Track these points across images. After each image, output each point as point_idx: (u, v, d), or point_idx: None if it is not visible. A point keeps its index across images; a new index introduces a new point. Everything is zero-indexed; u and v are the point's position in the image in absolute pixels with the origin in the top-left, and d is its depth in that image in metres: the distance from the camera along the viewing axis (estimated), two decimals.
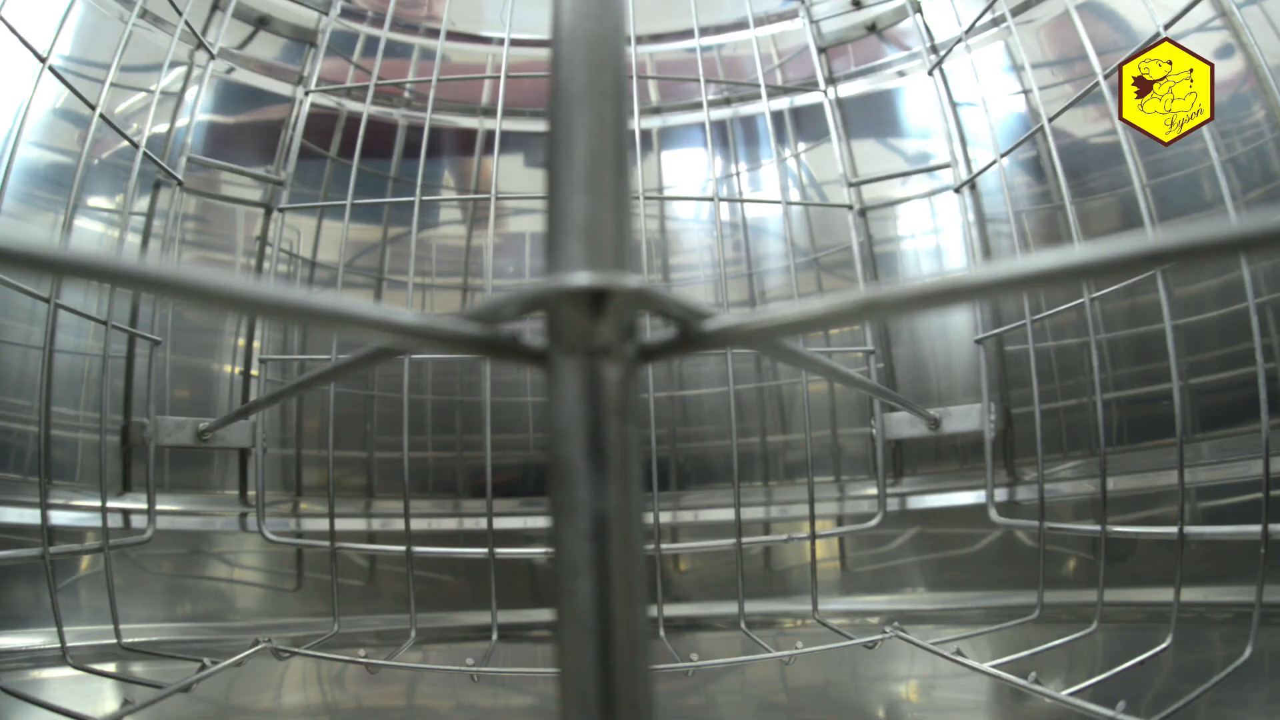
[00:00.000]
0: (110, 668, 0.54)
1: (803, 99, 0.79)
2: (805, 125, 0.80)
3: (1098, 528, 0.54)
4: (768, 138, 0.80)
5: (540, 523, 0.72)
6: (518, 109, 0.80)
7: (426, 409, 0.75)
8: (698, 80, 0.74)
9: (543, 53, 0.78)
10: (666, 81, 0.84)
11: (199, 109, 0.69)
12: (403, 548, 0.63)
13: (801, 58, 0.80)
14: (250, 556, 0.67)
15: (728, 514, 0.65)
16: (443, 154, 0.82)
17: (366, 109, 0.71)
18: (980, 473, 0.64)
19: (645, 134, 0.83)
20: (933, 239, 0.74)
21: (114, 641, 0.54)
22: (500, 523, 0.66)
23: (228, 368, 0.71)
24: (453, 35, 0.80)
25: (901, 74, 0.76)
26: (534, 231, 0.81)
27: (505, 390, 0.75)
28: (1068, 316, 0.61)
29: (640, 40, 0.82)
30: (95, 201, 0.64)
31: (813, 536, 0.65)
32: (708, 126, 0.75)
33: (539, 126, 0.80)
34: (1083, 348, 0.57)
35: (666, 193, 0.83)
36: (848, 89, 0.78)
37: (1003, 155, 0.63)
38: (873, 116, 0.77)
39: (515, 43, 0.74)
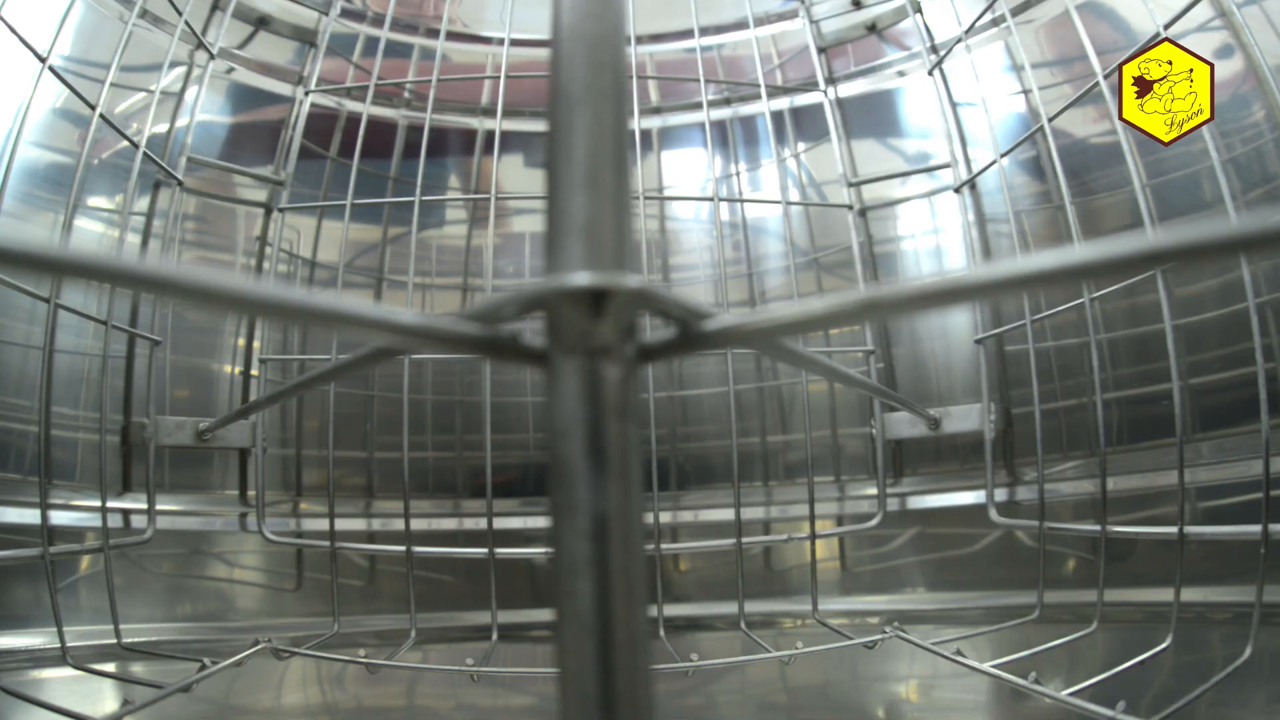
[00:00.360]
0: (110, 668, 0.54)
1: (802, 99, 0.79)
2: (805, 125, 0.80)
3: (1098, 528, 0.54)
4: (767, 138, 0.80)
5: (540, 522, 0.72)
6: (517, 109, 0.80)
7: (427, 409, 0.75)
8: (698, 80, 0.74)
9: (543, 53, 0.78)
10: (666, 81, 0.83)
11: (199, 109, 0.69)
12: (403, 548, 0.63)
13: (801, 58, 0.79)
14: (250, 556, 0.67)
15: (728, 514, 0.65)
16: (443, 154, 0.82)
17: (366, 109, 0.71)
18: (980, 473, 0.64)
19: (645, 134, 0.83)
20: (932, 239, 0.74)
21: (114, 641, 0.54)
22: (500, 523, 0.66)
23: (228, 368, 0.71)
24: (453, 35, 0.80)
25: (902, 74, 0.76)
26: (534, 231, 0.81)
27: (505, 390, 0.75)
28: (1068, 316, 0.61)
29: (640, 40, 0.82)
30: (95, 201, 0.64)
31: (813, 536, 0.65)
32: (708, 126, 0.75)
33: (538, 126, 0.80)
34: (1083, 348, 0.57)
35: (666, 193, 0.83)
36: (847, 89, 0.78)
37: (1003, 155, 0.63)
38: (872, 117, 0.77)
39: (515, 43, 0.74)
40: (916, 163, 0.74)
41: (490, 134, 0.75)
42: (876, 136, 0.77)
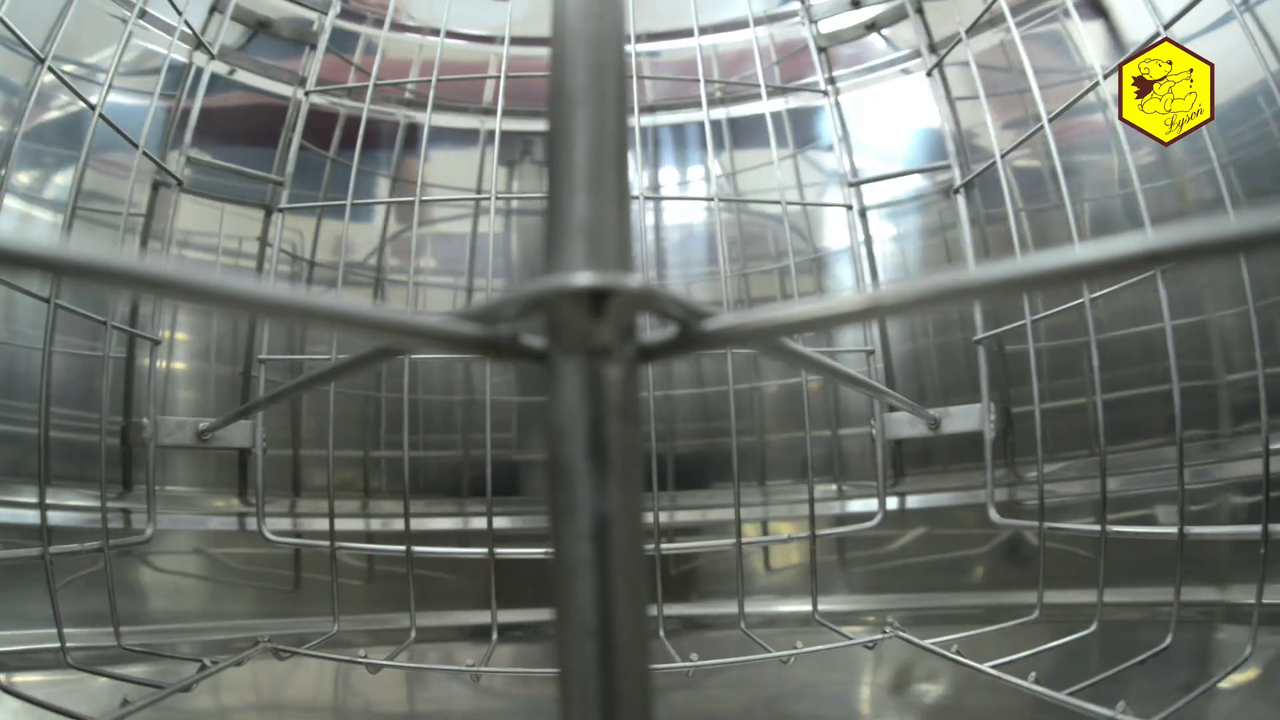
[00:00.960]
0: (110, 668, 0.54)
1: (800, 98, 0.79)
2: (797, 125, 0.80)
3: (1098, 527, 0.54)
4: (754, 138, 0.80)
5: (526, 523, 0.71)
6: (512, 109, 0.79)
7: (425, 409, 0.75)
8: (697, 80, 0.73)
9: (542, 52, 0.78)
10: (658, 81, 0.83)
11: (198, 109, 0.68)
12: (402, 547, 0.63)
13: (797, 57, 0.79)
14: (250, 556, 0.66)
15: (727, 514, 0.65)
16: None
17: (366, 109, 0.71)
18: (980, 473, 0.64)
19: (643, 134, 0.83)
20: (896, 245, 0.74)
21: (114, 642, 0.54)
22: (482, 522, 0.66)
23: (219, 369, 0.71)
24: (453, 35, 0.80)
25: (906, 72, 0.76)
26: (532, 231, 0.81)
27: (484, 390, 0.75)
28: (1068, 316, 0.61)
29: (639, 40, 0.82)
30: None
31: (813, 536, 0.65)
32: (707, 126, 0.75)
33: (533, 126, 0.80)
34: (1083, 347, 0.57)
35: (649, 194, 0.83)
36: (846, 89, 0.78)
37: (1003, 155, 0.63)
38: (870, 117, 0.77)
39: (515, 41, 0.74)
40: (909, 164, 0.74)
41: (488, 134, 0.75)
42: (872, 137, 0.77)
